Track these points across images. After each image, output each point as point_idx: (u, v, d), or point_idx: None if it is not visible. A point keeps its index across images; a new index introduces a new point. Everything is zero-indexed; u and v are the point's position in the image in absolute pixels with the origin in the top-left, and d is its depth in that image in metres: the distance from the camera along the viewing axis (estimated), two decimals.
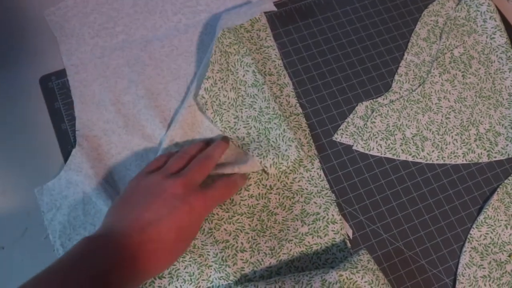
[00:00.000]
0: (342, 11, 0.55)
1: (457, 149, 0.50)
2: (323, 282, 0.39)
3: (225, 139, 0.47)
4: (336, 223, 0.45)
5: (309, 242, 0.44)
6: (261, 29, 0.52)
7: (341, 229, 0.44)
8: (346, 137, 0.49)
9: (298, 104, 0.50)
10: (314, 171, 0.47)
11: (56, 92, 0.49)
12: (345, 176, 0.47)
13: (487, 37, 0.54)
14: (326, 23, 0.54)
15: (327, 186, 0.47)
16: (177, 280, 0.41)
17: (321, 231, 0.44)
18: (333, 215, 0.45)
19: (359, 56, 0.53)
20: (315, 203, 0.45)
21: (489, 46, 0.54)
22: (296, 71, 0.52)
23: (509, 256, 0.46)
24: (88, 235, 0.36)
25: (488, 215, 0.47)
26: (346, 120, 0.50)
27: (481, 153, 0.50)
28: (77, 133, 0.46)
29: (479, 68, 0.53)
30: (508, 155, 0.50)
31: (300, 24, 0.54)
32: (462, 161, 0.49)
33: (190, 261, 0.42)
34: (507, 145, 0.50)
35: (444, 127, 0.51)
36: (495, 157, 0.50)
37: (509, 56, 0.52)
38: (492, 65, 0.53)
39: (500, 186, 0.49)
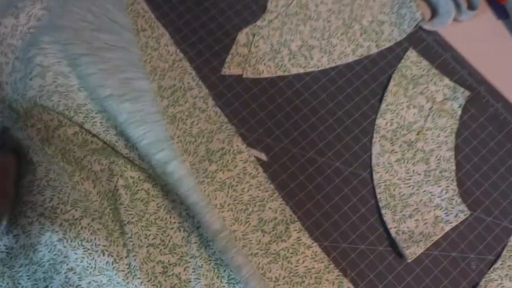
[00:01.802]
0: None
1: (345, 48, 0.51)
2: None
3: None
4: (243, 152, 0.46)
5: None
6: None
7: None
8: (234, 68, 0.50)
9: (178, 50, 0.51)
10: (210, 110, 0.48)
11: None
12: (242, 105, 0.49)
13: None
14: None
15: (226, 120, 0.48)
16: None
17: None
18: (237, 145, 0.46)
19: None
20: (218, 139, 0.47)
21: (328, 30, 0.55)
22: (170, 21, 0.52)
23: (417, 134, 0.48)
24: None
25: (389, 102, 0.49)
26: (230, 52, 0.50)
27: (370, 45, 0.52)
28: None
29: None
30: (396, 39, 0.51)
31: None
32: (353, 58, 0.51)
33: None
34: (392, 30, 0.52)
35: (328, 30, 0.52)
36: (384, 45, 0.52)
37: None
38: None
39: (395, 71, 0.51)
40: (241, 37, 0.52)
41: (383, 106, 0.50)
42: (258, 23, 0.53)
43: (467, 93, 0.50)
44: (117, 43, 0.47)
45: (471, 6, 0.55)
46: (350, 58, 0.52)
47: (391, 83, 0.51)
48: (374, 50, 0.52)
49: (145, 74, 0.47)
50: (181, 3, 0.54)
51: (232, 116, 0.49)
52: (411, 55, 0.52)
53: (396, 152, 0.48)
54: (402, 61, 0.52)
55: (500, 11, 0.54)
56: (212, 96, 0.50)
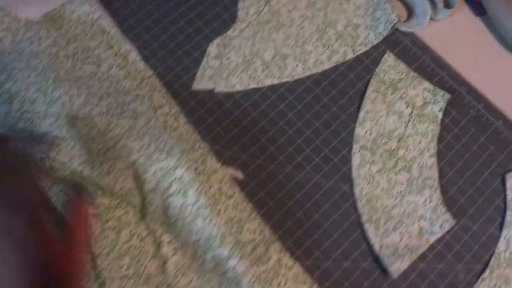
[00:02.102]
0: None
1: (320, 55, 0.50)
2: None
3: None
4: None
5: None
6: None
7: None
8: (205, 82, 0.48)
9: (147, 66, 0.48)
10: (182, 127, 0.46)
11: None
12: (215, 121, 0.47)
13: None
14: None
15: (199, 137, 0.46)
16: None
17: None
18: (212, 164, 0.46)
19: None
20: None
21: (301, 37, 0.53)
22: (137, 35, 0.50)
23: (398, 141, 0.47)
24: None
25: (367, 109, 0.48)
26: (201, 64, 0.48)
27: (346, 51, 0.50)
28: None
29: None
30: (372, 43, 0.50)
31: None
32: (329, 65, 0.49)
33: None
34: (368, 34, 0.50)
35: (302, 37, 0.50)
36: (360, 50, 0.50)
37: None
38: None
39: (373, 76, 0.49)
40: (212, 48, 0.50)
41: (361, 114, 0.49)
42: (229, 33, 0.51)
43: (447, 95, 0.49)
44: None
45: (448, 4, 0.53)
46: (326, 65, 0.50)
47: (369, 89, 0.49)
48: (350, 56, 0.50)
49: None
50: (148, 15, 0.52)
51: (206, 133, 0.47)
52: (389, 58, 0.51)
53: (377, 162, 0.47)
54: (380, 65, 0.50)
55: (477, 7, 0.52)
56: (184, 113, 0.48)
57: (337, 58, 0.51)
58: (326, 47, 0.51)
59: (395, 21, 0.50)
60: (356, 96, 0.50)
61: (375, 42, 0.51)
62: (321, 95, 0.49)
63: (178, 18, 0.52)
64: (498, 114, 0.49)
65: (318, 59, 0.50)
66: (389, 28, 0.50)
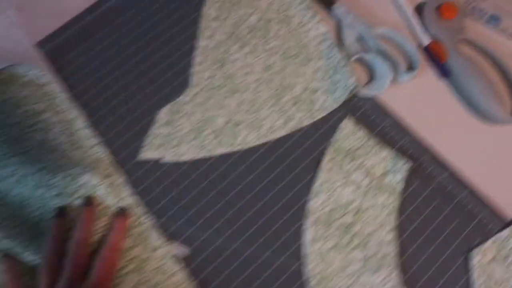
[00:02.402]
0: (123, 20, 0.54)
1: (275, 121, 0.48)
2: None
3: (121, 213, 0.44)
4: (161, 247, 0.43)
5: None
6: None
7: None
8: (153, 152, 0.46)
9: (94, 134, 0.47)
10: (126, 199, 0.44)
11: None
12: (162, 193, 0.45)
13: None
14: (107, 39, 0.53)
15: (143, 211, 0.44)
16: None
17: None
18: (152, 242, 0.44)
19: (150, 60, 0.50)
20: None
21: (284, 2, 0.51)
22: (87, 100, 0.48)
23: (355, 215, 0.44)
24: None
25: (323, 180, 0.46)
26: (149, 133, 0.47)
27: (302, 117, 0.48)
28: None
29: (280, 28, 0.51)
30: (330, 108, 0.48)
31: (80, 49, 0.52)
32: (284, 132, 0.47)
33: None
34: (326, 98, 0.48)
35: (256, 103, 0.48)
36: (317, 116, 0.48)
37: (307, 6, 0.50)
38: (292, 21, 0.51)
39: (330, 144, 0.47)
40: (162, 115, 0.49)
41: (316, 185, 0.46)
42: (181, 98, 0.49)
43: (408, 164, 0.47)
44: None
45: (410, 67, 0.51)
46: (281, 132, 0.48)
47: (325, 158, 0.47)
48: (307, 122, 0.48)
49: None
50: (99, 80, 0.50)
51: (152, 205, 0.45)
52: (347, 124, 0.48)
53: (331, 237, 0.44)
54: (337, 132, 0.48)
55: (441, 69, 0.50)
56: (130, 183, 0.46)
57: (293, 125, 0.48)
58: (282, 113, 0.49)
59: (353, 86, 0.48)
60: (312, 165, 0.47)
61: (333, 107, 0.49)
62: (275, 164, 0.47)
63: (129, 84, 0.51)
64: (463, 184, 0.47)
65: (273, 125, 0.48)
66: (347, 93, 0.48)
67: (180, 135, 0.48)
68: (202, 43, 0.52)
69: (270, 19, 0.52)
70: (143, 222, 0.44)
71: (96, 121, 0.49)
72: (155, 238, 0.43)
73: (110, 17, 0.54)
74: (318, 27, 0.50)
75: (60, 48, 0.52)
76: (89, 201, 0.43)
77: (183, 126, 0.48)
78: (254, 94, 0.50)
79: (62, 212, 0.42)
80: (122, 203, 0.45)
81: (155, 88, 0.51)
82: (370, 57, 0.50)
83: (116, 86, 0.51)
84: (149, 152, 0.47)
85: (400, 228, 0.45)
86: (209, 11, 0.54)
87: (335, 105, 0.49)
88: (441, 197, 0.46)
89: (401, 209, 0.46)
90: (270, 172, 0.47)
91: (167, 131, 0.48)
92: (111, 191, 0.44)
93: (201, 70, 0.51)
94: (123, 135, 0.49)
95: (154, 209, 0.46)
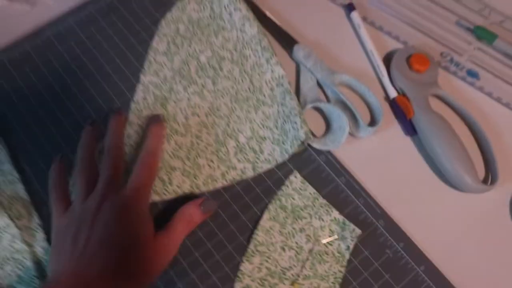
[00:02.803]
0: (66, 47, 0.50)
1: (214, 170, 0.42)
2: None
3: (157, 120, 0.45)
4: None
5: None
6: None
7: None
8: None
9: (13, 169, 0.42)
10: (37, 245, 0.39)
11: None
12: None
13: (237, 31, 0.48)
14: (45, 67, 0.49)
15: None
16: None
17: None
18: None
19: (89, 93, 0.46)
20: None
21: (241, 41, 0.48)
22: (12, 132, 0.44)
23: (292, 284, 0.38)
24: None
25: (259, 241, 0.40)
26: (72, 179, 0.42)
27: (245, 167, 0.43)
28: None
29: (233, 69, 0.47)
30: (277, 161, 0.43)
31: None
32: (222, 183, 0.42)
33: None
34: (273, 149, 0.43)
35: (195, 149, 0.44)
36: (261, 168, 0.43)
37: (264, 46, 0.46)
38: (248, 61, 0.47)
39: (272, 201, 0.41)
40: None
41: (251, 246, 0.41)
42: None
43: (357, 231, 0.41)
44: None
45: (372, 121, 0.46)
46: (219, 184, 0.43)
47: (265, 216, 0.42)
48: (249, 174, 0.43)
49: None
50: (28, 115, 0.46)
51: None
52: (295, 180, 0.43)
53: None
54: (283, 188, 0.43)
55: (407, 126, 0.45)
56: (44, 229, 0.41)
57: (233, 176, 0.43)
58: (222, 162, 0.44)
59: (302, 138, 0.43)
60: (250, 223, 0.42)
61: (280, 160, 0.44)
62: (208, 219, 0.42)
63: (55, 127, 0.47)
64: (420, 257, 0.41)
65: (211, 175, 0.43)
66: (296, 146, 0.43)
67: None
68: (146, 78, 0.48)
69: (223, 57, 0.48)
70: None
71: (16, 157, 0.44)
72: None
73: (52, 43, 0.50)
74: (274, 70, 0.46)
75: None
76: (117, 111, 0.45)
77: None
78: (194, 139, 0.45)
79: (93, 121, 0.45)
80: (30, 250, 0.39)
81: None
82: (327, 106, 0.45)
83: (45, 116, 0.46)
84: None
85: None
86: (158, 44, 0.50)
87: (282, 158, 0.44)
88: (393, 271, 0.41)
89: (346, 282, 0.40)
90: (202, 226, 0.42)
91: None
92: None
93: (141, 108, 0.46)
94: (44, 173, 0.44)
95: None
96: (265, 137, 0.45)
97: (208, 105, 0.46)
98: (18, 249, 0.41)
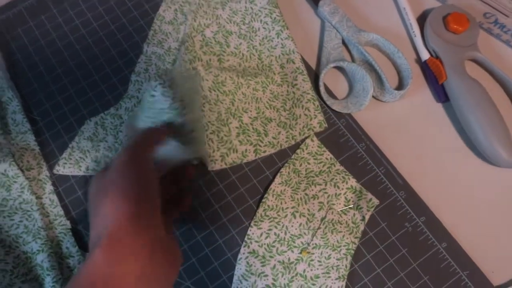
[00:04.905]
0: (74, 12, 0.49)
1: (214, 151, 0.40)
2: None
3: None
4: (73, 256, 0.38)
5: None
6: None
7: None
8: (70, 167, 0.41)
9: (25, 120, 0.42)
10: (45, 196, 0.39)
11: None
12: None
13: (246, 2, 0.45)
14: (61, 17, 0.49)
15: (61, 212, 0.38)
16: None
17: None
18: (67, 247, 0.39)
19: (98, 61, 0.45)
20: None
21: (250, 12, 0.45)
22: (25, 81, 0.44)
23: (301, 252, 0.37)
24: None
25: (268, 206, 0.39)
26: (70, 144, 0.41)
27: (247, 150, 0.41)
28: None
29: (240, 44, 0.44)
30: (281, 145, 0.41)
31: (27, 27, 0.48)
32: (221, 165, 0.40)
33: None
34: (279, 132, 0.41)
35: None
36: (264, 152, 0.41)
37: (275, 18, 0.44)
38: (256, 35, 0.44)
39: (286, 164, 0.40)
40: (88, 127, 0.44)
41: (260, 210, 0.39)
42: (112, 111, 0.45)
43: (375, 201, 0.39)
44: None
45: (400, 85, 0.43)
46: (217, 165, 0.42)
47: (277, 180, 0.40)
48: (250, 157, 0.43)
49: None
50: (45, 61, 0.45)
51: (72, 208, 0.40)
52: (311, 143, 0.41)
53: (266, 275, 0.37)
54: (298, 151, 0.41)
55: (439, 93, 0.42)
56: (53, 180, 0.40)
57: (233, 159, 0.43)
58: (223, 143, 0.43)
59: (315, 129, 0.42)
60: (260, 186, 0.40)
61: (285, 145, 0.43)
62: (218, 180, 0.41)
63: (71, 78, 0.46)
64: (443, 233, 0.38)
65: (210, 155, 0.42)
66: (305, 134, 0.42)
67: (100, 153, 0.42)
68: (149, 48, 0.46)
69: (230, 32, 0.45)
70: (58, 224, 0.39)
71: (29, 107, 0.44)
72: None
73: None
74: (285, 45, 0.43)
75: (6, 24, 0.48)
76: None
77: (108, 141, 0.42)
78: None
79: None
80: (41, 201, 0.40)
81: (98, 93, 0.45)
82: (351, 66, 0.42)
83: (60, 69, 0.46)
84: (65, 166, 0.42)
85: (353, 277, 0.37)
86: (165, 12, 0.47)
87: (289, 143, 0.42)
88: (413, 246, 0.38)
89: (358, 254, 0.38)
90: (210, 186, 0.40)
91: (90, 146, 0.42)
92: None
93: (142, 80, 0.45)
94: (56, 125, 0.43)
95: (75, 211, 0.39)
96: (271, 118, 0.43)
97: (212, 80, 0.43)
98: (26, 199, 0.40)
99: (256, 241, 0.39)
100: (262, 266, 0.38)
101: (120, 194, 0.29)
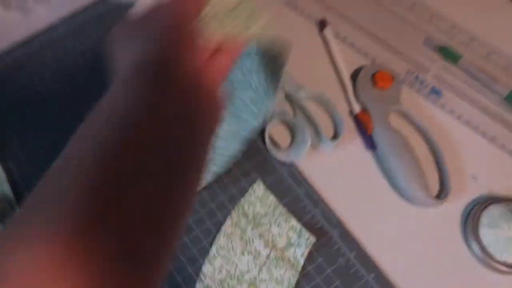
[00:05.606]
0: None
1: None
2: None
3: None
4: None
5: None
6: None
7: None
8: None
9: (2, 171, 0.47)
10: None
11: None
12: None
13: None
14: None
15: None
16: None
17: None
18: None
19: None
20: None
21: None
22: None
23: (249, 286, 0.43)
24: None
25: (220, 245, 0.44)
26: None
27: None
28: None
29: None
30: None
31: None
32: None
33: None
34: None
35: None
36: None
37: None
38: None
39: (235, 207, 0.45)
40: None
41: (213, 249, 0.45)
42: None
43: (312, 239, 0.45)
44: None
45: (335, 135, 0.50)
46: None
47: (227, 222, 0.46)
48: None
49: None
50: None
51: None
52: (258, 188, 0.47)
53: None
54: (246, 195, 0.47)
55: (367, 141, 0.49)
56: None
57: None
58: None
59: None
60: (213, 227, 0.46)
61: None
62: None
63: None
64: (371, 266, 0.45)
65: None
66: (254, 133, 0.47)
67: None
68: None
69: None
70: None
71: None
72: None
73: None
74: None
75: None
76: None
77: None
78: None
79: None
80: None
81: None
82: (292, 120, 0.49)
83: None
84: None
85: None
86: None
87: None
88: (344, 278, 0.44)
89: (299, 286, 0.44)
90: None
91: None
92: None
93: None
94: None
95: None
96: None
97: None
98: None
99: (210, 277, 0.45)
100: None
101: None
